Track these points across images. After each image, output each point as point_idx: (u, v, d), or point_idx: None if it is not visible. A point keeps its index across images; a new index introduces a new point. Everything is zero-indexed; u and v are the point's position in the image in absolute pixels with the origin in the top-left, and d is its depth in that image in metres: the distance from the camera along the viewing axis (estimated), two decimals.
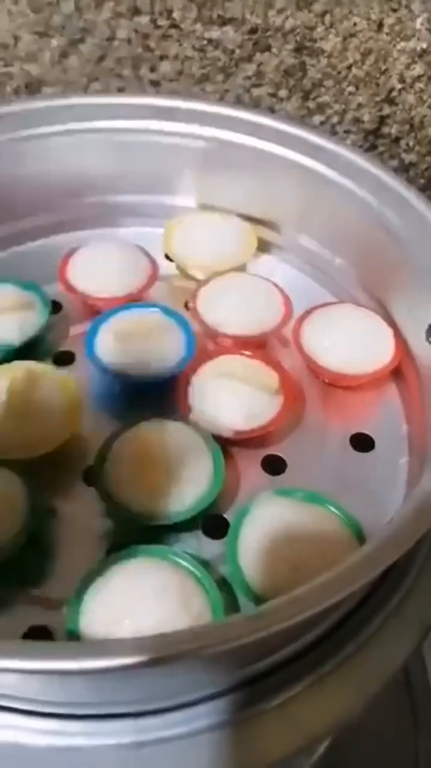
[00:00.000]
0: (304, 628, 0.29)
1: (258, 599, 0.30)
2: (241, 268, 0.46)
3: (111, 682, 0.26)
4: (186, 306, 0.45)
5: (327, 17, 0.53)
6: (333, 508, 0.33)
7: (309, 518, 0.32)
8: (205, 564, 0.32)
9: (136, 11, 0.53)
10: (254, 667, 0.30)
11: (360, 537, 0.32)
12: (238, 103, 0.58)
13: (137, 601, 0.29)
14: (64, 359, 0.42)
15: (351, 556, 0.26)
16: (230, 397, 0.37)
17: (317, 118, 0.59)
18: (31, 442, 0.35)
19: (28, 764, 0.27)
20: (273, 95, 0.58)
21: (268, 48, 0.55)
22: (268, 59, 0.55)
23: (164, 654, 0.22)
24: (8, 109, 0.45)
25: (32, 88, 0.57)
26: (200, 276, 0.46)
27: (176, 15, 0.53)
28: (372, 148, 0.60)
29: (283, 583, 0.30)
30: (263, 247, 0.48)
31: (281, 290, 0.43)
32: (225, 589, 0.32)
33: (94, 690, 0.27)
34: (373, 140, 0.60)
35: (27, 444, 0.35)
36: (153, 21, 0.54)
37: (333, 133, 0.59)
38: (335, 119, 0.59)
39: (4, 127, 0.45)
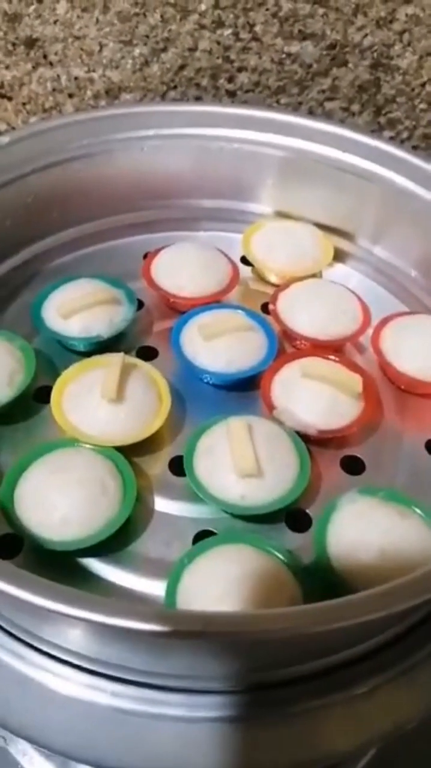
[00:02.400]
0: (391, 621, 0.31)
1: (345, 588, 0.31)
2: (317, 276, 0.47)
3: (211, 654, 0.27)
4: (263, 309, 0.46)
5: (406, 35, 0.54)
6: (415, 508, 0.34)
7: (393, 517, 0.33)
8: (291, 553, 0.33)
9: (219, 24, 0.55)
10: (328, 659, 0.31)
11: None
12: (310, 114, 0.60)
13: (234, 584, 0.30)
14: (148, 354, 0.44)
15: None
16: (315, 397, 0.38)
17: (387, 133, 0.60)
18: (123, 431, 0.37)
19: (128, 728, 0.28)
20: (346, 109, 0.59)
21: (345, 63, 0.56)
22: (344, 74, 0.57)
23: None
24: (102, 113, 0.47)
25: (112, 93, 0.59)
26: (276, 280, 0.48)
27: (258, 29, 0.55)
28: None
29: (371, 576, 0.31)
30: (338, 255, 0.49)
31: (359, 298, 0.44)
32: (310, 580, 0.33)
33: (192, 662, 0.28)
34: None
35: (120, 432, 0.37)
36: (235, 34, 0.56)
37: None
38: (405, 134, 0.60)
39: (98, 129, 0.47)
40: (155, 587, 0.33)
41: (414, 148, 0.61)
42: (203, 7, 0.55)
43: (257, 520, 0.35)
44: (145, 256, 0.47)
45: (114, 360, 0.38)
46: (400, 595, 0.24)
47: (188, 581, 0.31)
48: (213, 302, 0.44)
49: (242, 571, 0.30)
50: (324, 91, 0.58)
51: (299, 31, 0.55)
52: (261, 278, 0.49)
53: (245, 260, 0.49)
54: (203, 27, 0.56)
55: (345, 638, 0.29)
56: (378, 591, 0.24)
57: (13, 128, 0.61)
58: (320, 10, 0.54)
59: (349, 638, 0.29)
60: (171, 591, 0.31)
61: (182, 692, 0.29)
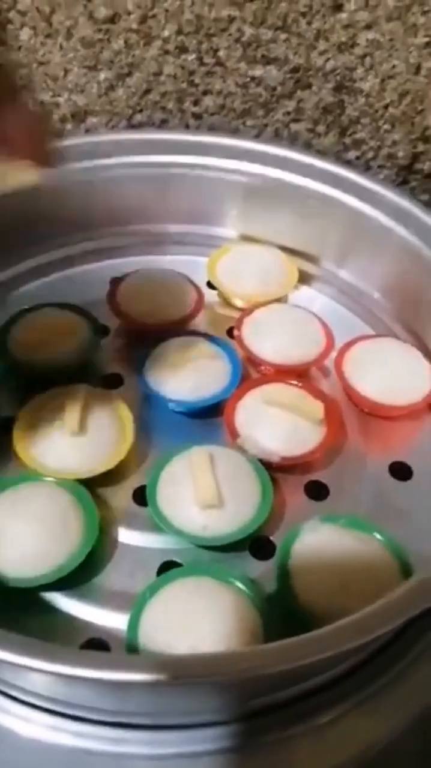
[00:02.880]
0: (349, 654, 0.31)
1: (306, 622, 0.31)
2: (282, 300, 0.48)
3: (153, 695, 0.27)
4: (229, 333, 0.46)
5: (368, 59, 0.55)
6: (376, 534, 0.34)
7: (354, 544, 0.34)
8: (254, 583, 0.34)
9: (183, 49, 0.56)
10: (292, 689, 0.31)
11: (403, 562, 0.34)
12: (276, 137, 0.60)
13: (195, 617, 0.30)
14: (113, 381, 0.44)
15: (402, 587, 0.27)
16: (277, 424, 0.38)
17: (352, 153, 0.61)
18: (86, 462, 0.37)
19: None
20: (311, 130, 0.60)
21: (308, 86, 0.57)
22: (308, 96, 0.58)
23: (233, 671, 0.23)
24: (69, 142, 0.47)
25: (78, 117, 0.60)
26: (241, 305, 0.48)
27: (221, 53, 0.56)
28: (404, 182, 0.62)
29: (332, 605, 0.31)
30: (303, 278, 0.50)
31: (322, 322, 0.45)
32: (273, 609, 0.33)
33: (155, 700, 0.28)
34: (406, 175, 0.62)
35: (83, 465, 0.37)
36: (199, 59, 0.56)
37: (367, 167, 0.61)
38: (370, 154, 0.61)
39: (61, 158, 0.47)
40: (118, 620, 0.33)
41: (380, 167, 0.62)
42: (166, 33, 0.55)
43: (222, 550, 0.35)
44: (111, 282, 0.47)
45: (77, 392, 0.38)
46: (347, 634, 0.25)
47: (150, 615, 0.31)
48: (179, 328, 0.44)
49: (203, 605, 0.30)
50: (289, 113, 0.59)
51: (263, 55, 0.56)
52: (227, 303, 0.49)
53: (211, 284, 0.49)
54: (167, 52, 0.56)
55: (288, 679, 0.29)
56: (329, 630, 0.25)
57: None
58: (283, 36, 0.54)
59: (296, 677, 0.29)
60: (133, 626, 0.31)
61: (148, 729, 0.29)
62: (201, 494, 0.34)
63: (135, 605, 0.31)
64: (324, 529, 0.34)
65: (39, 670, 0.22)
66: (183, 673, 0.23)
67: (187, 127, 0.61)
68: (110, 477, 0.38)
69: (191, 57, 0.56)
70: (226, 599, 0.31)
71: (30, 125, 0.33)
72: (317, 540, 0.34)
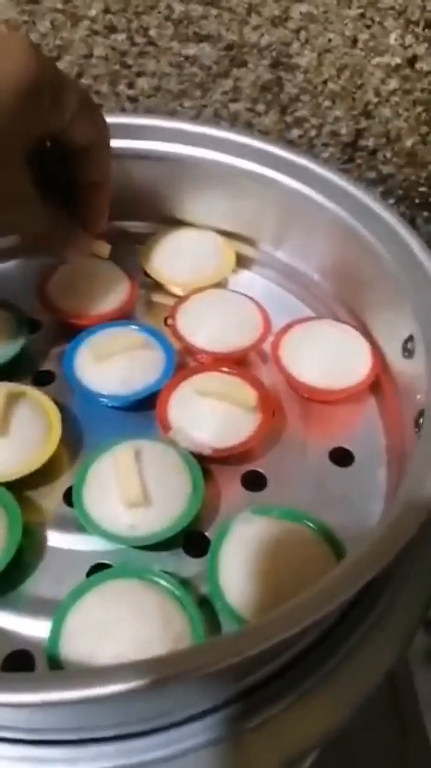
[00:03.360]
0: (284, 647, 0.30)
1: (239, 619, 0.30)
2: (220, 284, 0.46)
3: (94, 708, 0.26)
4: (166, 323, 0.45)
5: (302, 33, 0.53)
6: (310, 524, 0.33)
7: (288, 536, 0.32)
8: (185, 583, 0.32)
9: (112, 29, 0.54)
10: (236, 685, 0.30)
11: (339, 551, 0.32)
12: (216, 117, 0.59)
13: (118, 623, 0.29)
14: (44, 379, 0.42)
15: (329, 575, 0.27)
16: (208, 414, 0.37)
17: (295, 132, 0.59)
18: (11, 463, 0.35)
19: None
20: (251, 110, 0.58)
21: (244, 64, 0.55)
22: (245, 75, 0.56)
23: (154, 678, 0.22)
24: None
25: None
26: (179, 292, 0.46)
27: (152, 32, 0.54)
28: (350, 160, 0.61)
29: (264, 602, 0.30)
30: (242, 262, 0.48)
31: (259, 306, 0.43)
32: (206, 609, 0.32)
33: (76, 717, 0.27)
34: (351, 153, 0.60)
35: (6, 467, 0.35)
36: (130, 38, 0.54)
37: (311, 146, 0.60)
38: (312, 133, 0.59)
39: None
40: (43, 629, 0.31)
41: (324, 145, 0.60)
42: (92, 12, 0.53)
43: (154, 549, 0.34)
44: (42, 274, 0.45)
45: None
46: (259, 637, 0.23)
47: (73, 622, 0.30)
48: (111, 320, 0.43)
49: (126, 609, 0.29)
50: (226, 93, 0.57)
51: (195, 33, 0.54)
52: (164, 290, 0.47)
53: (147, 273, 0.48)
54: (95, 33, 0.54)
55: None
56: (239, 634, 0.23)
57: None
58: (214, 11, 0.52)
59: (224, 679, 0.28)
60: (55, 634, 0.29)
61: (65, 745, 0.28)
62: (125, 492, 0.33)
63: (56, 613, 0.30)
64: (256, 521, 0.33)
65: None
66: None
67: (123, 110, 0.59)
68: (39, 478, 0.36)
69: (122, 37, 0.54)
70: (149, 601, 0.30)
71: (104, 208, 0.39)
72: (248, 533, 0.32)
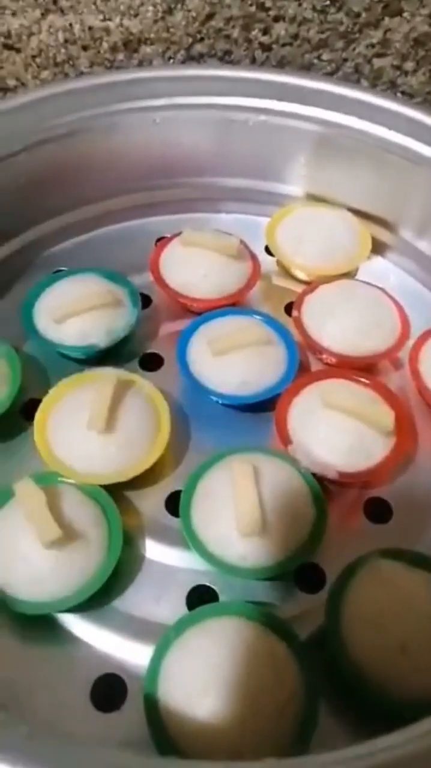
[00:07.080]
0: None
1: (360, 679, 0.27)
2: (350, 272, 0.41)
3: None
4: (286, 310, 0.40)
5: None
6: None
7: (421, 587, 0.28)
8: (295, 620, 0.29)
9: None
10: None
11: None
12: (356, 73, 0.52)
13: (221, 673, 0.25)
14: (152, 362, 0.38)
15: None
16: (337, 432, 0.32)
17: None
18: (115, 464, 0.32)
19: None
20: (397, 67, 0.51)
21: (400, 12, 0.48)
22: (398, 25, 0.49)
23: None
24: (107, 79, 0.40)
25: (131, 46, 0.52)
26: (304, 277, 0.41)
27: None
28: None
29: (390, 663, 0.26)
30: (377, 247, 0.43)
31: (397, 304, 0.38)
32: (320, 653, 0.28)
33: None
34: None
35: (109, 468, 0.32)
36: None
37: None
38: None
39: (100, 97, 0.41)
40: (137, 653, 0.29)
41: None
42: None
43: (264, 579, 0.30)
44: (158, 241, 0.41)
45: (106, 381, 0.33)
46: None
47: (172, 664, 0.27)
48: (228, 304, 0.39)
49: (232, 657, 0.26)
50: (373, 46, 0.50)
51: None
52: (287, 273, 0.42)
53: (269, 251, 0.43)
54: None
55: None
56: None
57: (23, 84, 0.55)
58: None
59: None
60: (152, 675, 0.26)
61: None
62: (243, 521, 0.29)
63: (155, 651, 0.27)
64: (384, 567, 0.29)
65: None
66: None
67: (253, 60, 0.53)
68: (141, 479, 0.33)
69: None
70: (261, 649, 0.26)
71: None
72: (377, 582, 0.28)
